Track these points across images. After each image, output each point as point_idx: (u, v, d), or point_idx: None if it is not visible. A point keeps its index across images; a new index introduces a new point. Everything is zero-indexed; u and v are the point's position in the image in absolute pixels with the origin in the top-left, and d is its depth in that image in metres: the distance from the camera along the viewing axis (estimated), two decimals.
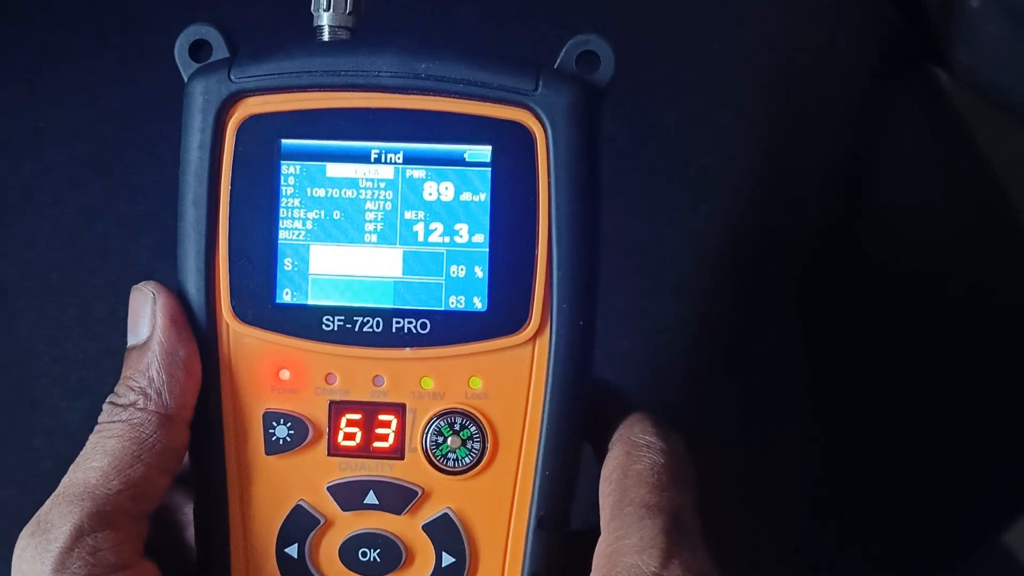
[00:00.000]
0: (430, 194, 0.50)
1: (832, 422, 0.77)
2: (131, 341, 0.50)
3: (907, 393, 0.79)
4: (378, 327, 0.50)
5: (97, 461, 0.48)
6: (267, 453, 0.50)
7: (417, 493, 0.50)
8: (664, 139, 0.74)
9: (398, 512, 0.51)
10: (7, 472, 0.69)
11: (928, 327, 0.79)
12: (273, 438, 0.50)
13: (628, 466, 0.50)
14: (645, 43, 0.75)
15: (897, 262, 0.78)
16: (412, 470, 0.50)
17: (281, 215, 0.50)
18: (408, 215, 0.50)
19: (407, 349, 0.50)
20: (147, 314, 0.49)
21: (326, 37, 0.51)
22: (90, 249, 0.71)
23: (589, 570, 0.49)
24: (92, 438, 0.49)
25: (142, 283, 0.50)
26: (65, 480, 0.48)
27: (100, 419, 0.49)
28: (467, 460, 0.50)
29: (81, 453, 0.49)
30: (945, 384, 0.80)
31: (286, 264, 0.50)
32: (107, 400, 0.49)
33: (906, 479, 0.79)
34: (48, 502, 0.48)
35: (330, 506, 0.51)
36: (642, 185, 0.74)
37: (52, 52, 0.73)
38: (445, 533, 0.51)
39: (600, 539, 0.49)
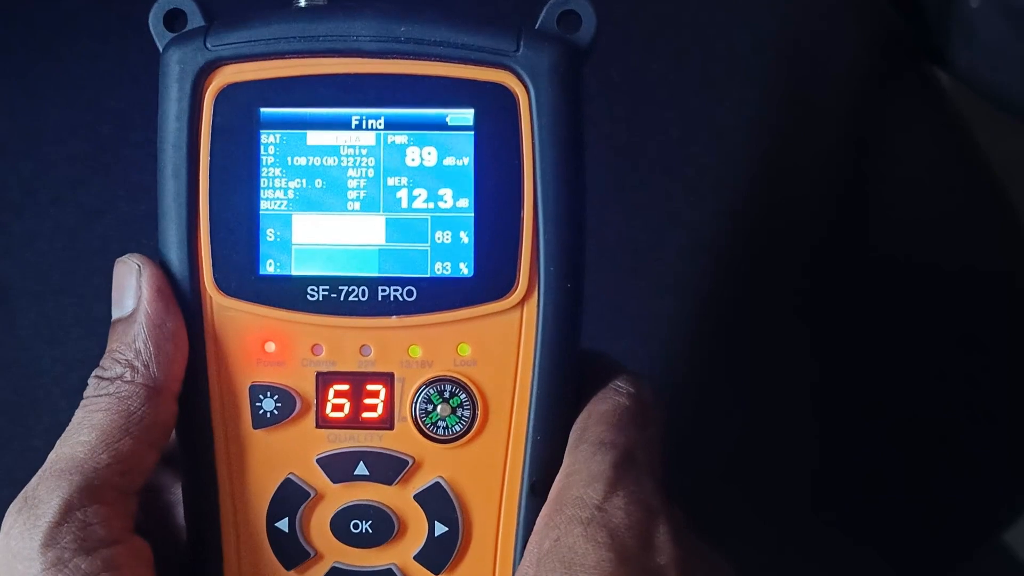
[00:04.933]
0: (413, 160, 0.49)
1: (833, 421, 0.77)
2: (116, 314, 0.49)
3: (908, 392, 0.78)
4: (364, 296, 0.49)
5: (84, 435, 0.47)
6: (254, 427, 0.50)
7: (408, 463, 0.50)
8: (664, 139, 0.74)
9: (389, 482, 0.50)
10: (7, 472, 0.69)
11: (928, 326, 0.78)
12: (260, 411, 0.50)
13: (592, 408, 0.50)
14: (645, 43, 0.75)
15: (897, 261, 0.78)
16: (402, 440, 0.50)
17: (262, 185, 0.49)
18: (391, 181, 0.49)
19: (393, 317, 0.49)
20: (132, 286, 0.49)
21: (303, 3, 0.51)
22: (90, 249, 0.71)
23: None
24: (78, 413, 0.48)
25: (126, 255, 0.50)
26: (52, 455, 0.48)
27: (86, 393, 0.49)
28: (457, 428, 0.50)
29: (67, 428, 0.48)
30: (946, 383, 0.79)
31: (268, 235, 0.49)
32: (92, 374, 0.49)
33: (906, 478, 0.78)
34: (35, 478, 0.47)
35: (320, 478, 0.50)
36: (642, 185, 0.74)
37: (52, 52, 0.73)
38: (437, 502, 0.50)
39: (556, 476, 0.49)
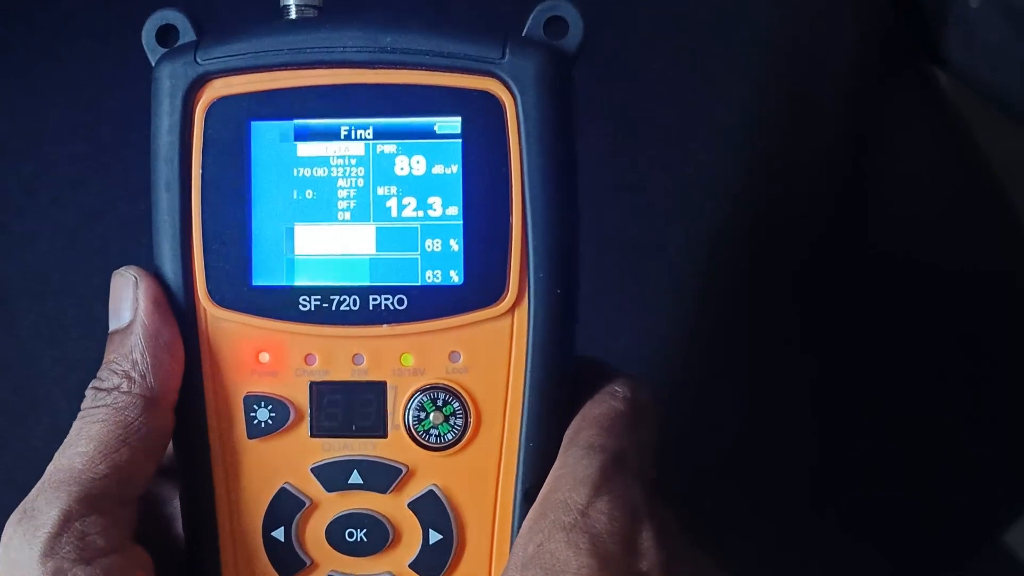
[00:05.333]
0: (401, 169, 0.49)
1: (832, 418, 0.77)
2: (113, 325, 0.50)
3: (908, 391, 0.78)
4: (355, 305, 0.49)
5: (82, 446, 0.48)
6: (249, 437, 0.50)
7: (401, 471, 0.50)
8: (664, 138, 0.74)
9: (383, 491, 0.50)
10: (7, 472, 0.69)
11: (928, 326, 0.78)
12: (255, 422, 0.50)
13: (586, 412, 0.50)
14: (645, 42, 0.75)
15: (896, 260, 0.78)
16: (395, 448, 0.50)
17: (253, 197, 0.50)
18: (380, 191, 0.49)
19: (385, 326, 0.49)
20: (129, 297, 0.49)
21: (292, 15, 0.51)
22: (90, 249, 0.71)
23: None
24: (76, 424, 0.49)
25: (123, 267, 0.50)
26: (50, 467, 0.48)
27: (83, 405, 0.49)
28: (450, 436, 0.50)
29: (66, 439, 0.48)
30: (946, 383, 0.79)
31: (260, 246, 0.50)
32: (90, 385, 0.49)
33: (906, 478, 0.78)
34: (34, 489, 0.47)
35: (315, 488, 0.50)
36: (641, 183, 0.74)
37: (52, 52, 0.73)
38: (431, 510, 0.50)
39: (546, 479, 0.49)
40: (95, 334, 0.69)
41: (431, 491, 0.50)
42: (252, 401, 0.50)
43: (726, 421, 0.74)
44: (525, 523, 0.48)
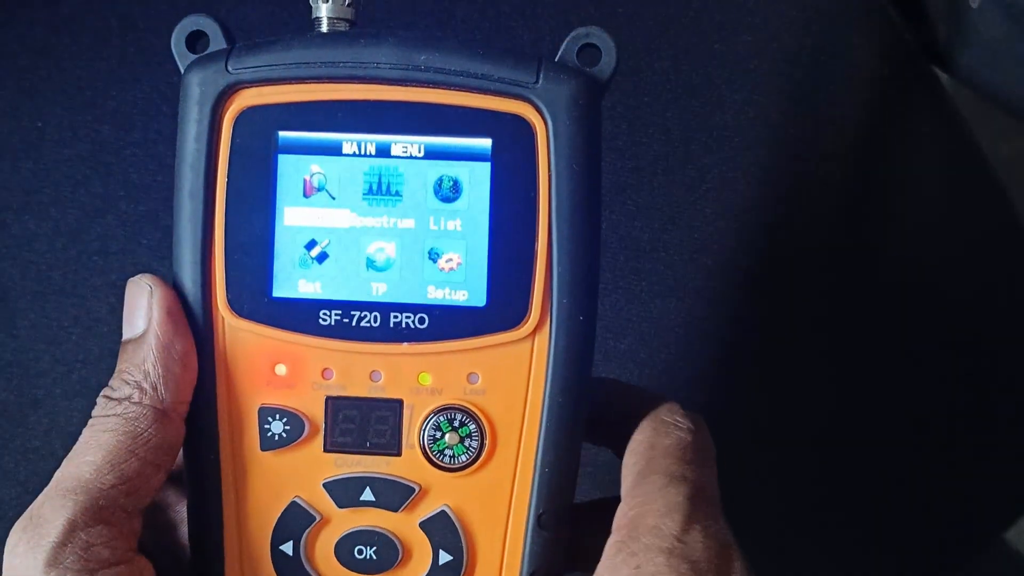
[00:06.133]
0: (429, 187, 0.49)
1: (834, 421, 0.77)
2: (127, 334, 0.49)
3: (908, 392, 0.78)
4: (375, 322, 0.49)
5: (91, 455, 0.47)
6: (262, 449, 0.50)
7: (414, 490, 0.50)
8: (664, 139, 0.74)
9: (395, 509, 0.50)
10: (7, 472, 0.69)
11: (929, 326, 0.79)
12: (268, 434, 0.50)
13: (655, 440, 0.50)
14: (646, 43, 0.75)
15: (896, 261, 0.78)
16: (409, 467, 0.50)
17: (278, 208, 0.49)
18: (407, 209, 0.49)
19: (405, 344, 0.49)
20: (143, 307, 0.49)
21: (324, 28, 0.51)
22: (90, 249, 0.71)
23: (599, 537, 0.48)
24: (85, 432, 0.48)
25: (139, 276, 0.50)
26: (58, 474, 0.48)
27: (94, 413, 0.49)
28: (465, 457, 0.50)
29: (74, 447, 0.48)
30: (946, 382, 0.79)
31: (282, 258, 0.49)
32: (101, 394, 0.49)
33: (907, 478, 0.79)
34: (40, 496, 0.47)
35: (326, 503, 0.50)
36: (642, 185, 0.74)
37: (52, 52, 0.73)
38: (442, 531, 0.50)
39: (621, 505, 0.49)
40: (95, 334, 0.69)
41: (443, 511, 0.50)
42: (267, 413, 0.50)
43: (729, 424, 0.74)
44: (609, 548, 0.48)
